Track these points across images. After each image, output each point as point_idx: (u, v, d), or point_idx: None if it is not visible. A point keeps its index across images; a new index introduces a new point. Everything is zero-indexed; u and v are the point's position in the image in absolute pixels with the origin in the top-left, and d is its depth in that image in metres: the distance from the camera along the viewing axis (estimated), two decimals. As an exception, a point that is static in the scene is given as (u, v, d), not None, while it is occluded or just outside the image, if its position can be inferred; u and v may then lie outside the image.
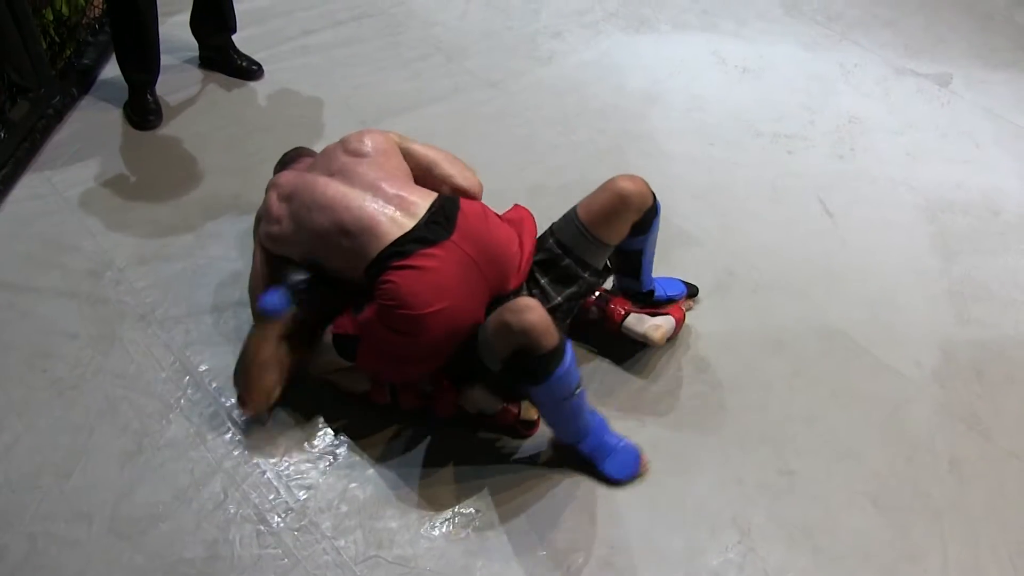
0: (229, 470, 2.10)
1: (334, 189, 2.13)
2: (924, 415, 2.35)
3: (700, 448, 2.22)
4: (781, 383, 2.39)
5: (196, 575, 1.92)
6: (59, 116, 3.14)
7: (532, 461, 2.16)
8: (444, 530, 2.02)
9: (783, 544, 2.04)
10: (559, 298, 2.19)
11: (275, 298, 2.11)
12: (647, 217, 2.18)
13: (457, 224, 2.07)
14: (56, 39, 3.34)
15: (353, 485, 2.09)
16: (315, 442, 2.18)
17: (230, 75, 3.42)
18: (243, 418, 2.20)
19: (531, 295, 2.17)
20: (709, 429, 2.27)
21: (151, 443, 2.15)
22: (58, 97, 3.15)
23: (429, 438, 2.19)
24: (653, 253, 2.35)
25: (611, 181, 2.16)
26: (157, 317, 2.45)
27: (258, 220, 2.32)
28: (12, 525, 1.99)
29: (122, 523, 2.00)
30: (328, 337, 2.12)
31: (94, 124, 3.09)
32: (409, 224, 2.05)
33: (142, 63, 3.12)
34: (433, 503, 2.07)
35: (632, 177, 2.16)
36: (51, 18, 3.37)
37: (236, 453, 2.14)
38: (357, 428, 2.21)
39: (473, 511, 2.06)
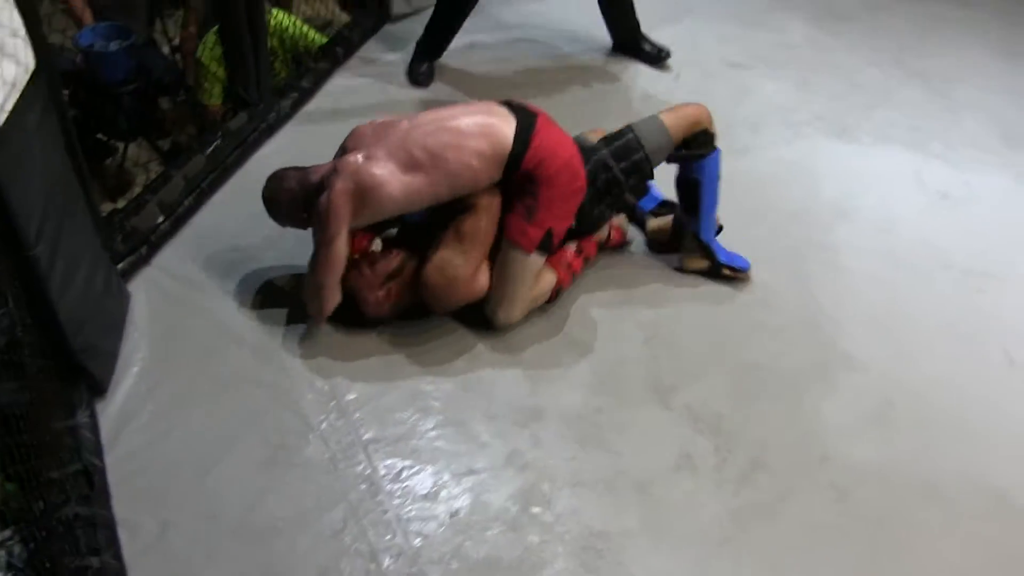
0: (353, 502, 2.15)
1: (441, 126, 2.44)
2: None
3: (828, 586, 2.11)
4: (930, 533, 2.22)
5: (302, 598, 1.97)
6: (270, 131, 3.35)
7: (639, 541, 2.10)
8: (547, 610, 1.99)
9: None
10: (616, 168, 2.61)
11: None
12: (702, 138, 2.67)
13: (531, 108, 2.56)
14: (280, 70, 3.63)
15: (468, 543, 2.09)
16: (441, 492, 2.20)
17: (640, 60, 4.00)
18: (377, 451, 2.26)
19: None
20: (844, 564, 2.14)
21: (286, 458, 2.23)
22: (273, 113, 3.37)
23: (551, 512, 2.17)
24: (713, 202, 2.77)
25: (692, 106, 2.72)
26: (321, 339, 2.55)
27: (328, 206, 2.37)
28: (150, 507, 2.11)
29: (245, 529, 2.08)
30: (525, 258, 2.51)
31: (300, 142, 3.28)
32: (513, 119, 2.47)
33: (438, 44, 3.77)
34: (541, 580, 2.04)
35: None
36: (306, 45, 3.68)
37: (363, 487, 2.18)
38: (484, 486, 2.22)
39: (580, 598, 2.02)
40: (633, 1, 3.88)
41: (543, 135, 2.47)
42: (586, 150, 2.60)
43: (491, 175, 2.45)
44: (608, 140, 2.66)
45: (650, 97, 3.76)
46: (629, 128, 2.66)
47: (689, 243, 2.86)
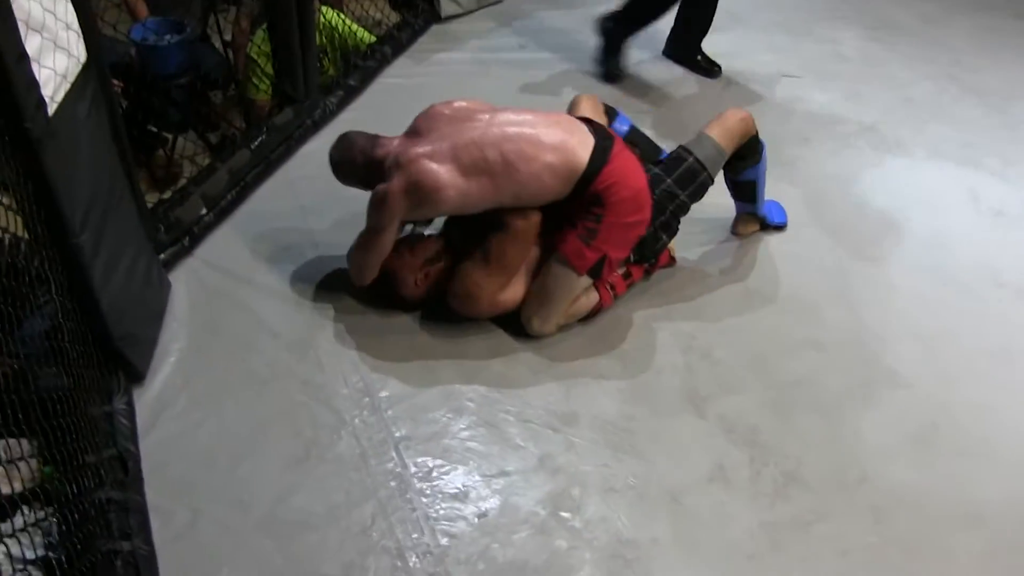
0: (383, 499, 2.15)
1: (521, 131, 2.38)
2: None
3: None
4: (968, 562, 2.16)
5: (327, 593, 1.97)
6: (316, 127, 3.38)
7: (667, 551, 2.08)
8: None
9: None
10: (683, 195, 2.63)
11: None
12: (751, 145, 2.71)
13: (609, 131, 2.54)
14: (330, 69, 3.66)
15: (495, 546, 2.08)
16: (471, 493, 2.19)
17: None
18: (408, 449, 2.26)
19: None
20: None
21: (318, 454, 2.24)
22: (319, 110, 3.39)
23: (580, 518, 2.15)
24: (764, 186, 2.92)
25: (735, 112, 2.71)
26: (355, 335, 2.56)
27: (384, 200, 2.38)
28: (183, 495, 2.14)
29: (274, 522, 2.09)
30: (574, 278, 2.48)
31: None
32: (591, 139, 2.42)
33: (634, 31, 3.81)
34: (568, 587, 2.02)
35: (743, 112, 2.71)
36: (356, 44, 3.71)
37: (393, 484, 2.18)
38: (514, 488, 2.21)
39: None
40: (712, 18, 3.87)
41: (618, 161, 2.43)
42: (651, 180, 2.58)
43: (558, 191, 2.42)
44: (668, 167, 2.64)
45: (698, 105, 3.73)
46: (687, 151, 2.65)
47: (744, 216, 3.04)
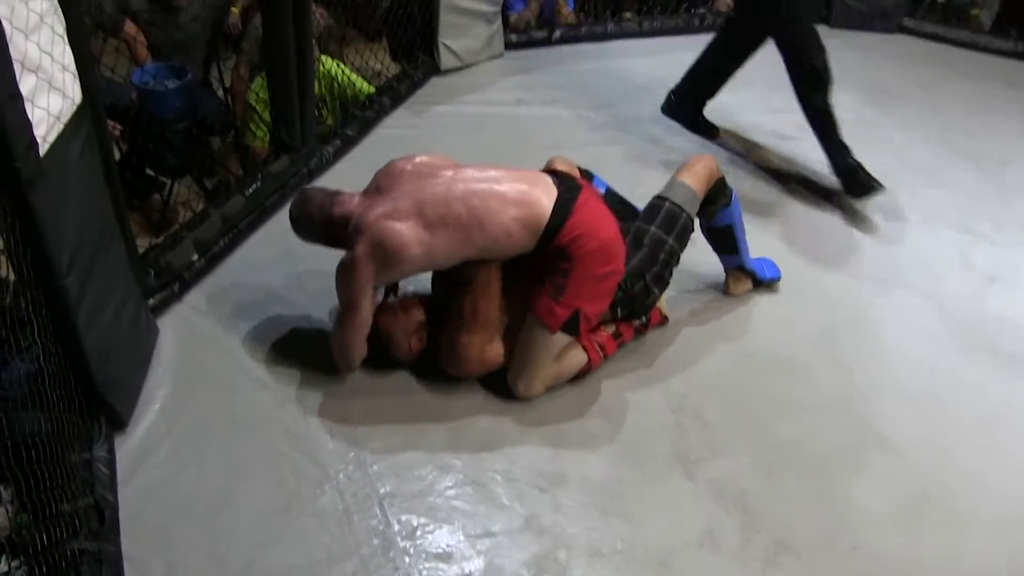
0: (365, 557, 2.10)
1: (486, 188, 2.36)
2: None
3: None
4: (961, 634, 2.12)
5: (303, 653, 1.92)
6: (311, 176, 3.38)
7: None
8: None
9: None
10: (670, 239, 2.63)
11: None
12: (720, 187, 2.75)
13: (577, 181, 2.50)
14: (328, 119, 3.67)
15: (477, 610, 2.03)
16: (455, 553, 2.14)
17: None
18: (392, 506, 2.22)
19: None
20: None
21: (300, 507, 2.20)
22: (316, 159, 3.40)
23: (565, 582, 2.11)
24: (744, 234, 2.91)
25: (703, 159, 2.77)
26: (344, 389, 2.54)
27: (350, 269, 2.32)
28: (159, 546, 2.09)
29: (252, 577, 2.04)
30: (549, 337, 2.43)
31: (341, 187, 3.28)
32: (555, 191, 2.38)
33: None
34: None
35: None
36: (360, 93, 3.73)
37: (376, 542, 2.14)
38: (499, 550, 2.16)
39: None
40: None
41: (583, 212, 2.38)
42: (634, 234, 2.61)
43: (525, 245, 2.38)
44: (647, 217, 2.67)
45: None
46: (661, 198, 2.68)
47: (734, 273, 3.01)
